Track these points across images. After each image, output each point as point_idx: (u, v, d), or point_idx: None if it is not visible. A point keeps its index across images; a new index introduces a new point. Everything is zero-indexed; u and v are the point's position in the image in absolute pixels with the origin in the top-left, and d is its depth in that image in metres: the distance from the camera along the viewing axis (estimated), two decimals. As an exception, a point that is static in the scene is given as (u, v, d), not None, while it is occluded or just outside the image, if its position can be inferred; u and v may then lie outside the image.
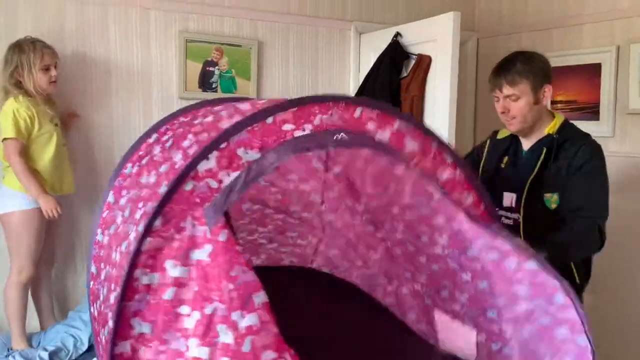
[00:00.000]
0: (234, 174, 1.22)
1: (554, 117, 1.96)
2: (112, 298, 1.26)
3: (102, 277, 1.40)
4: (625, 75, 3.00)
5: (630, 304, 2.96)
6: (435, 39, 3.04)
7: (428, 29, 3.11)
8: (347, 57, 3.64)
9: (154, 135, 1.56)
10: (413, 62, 3.21)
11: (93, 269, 1.48)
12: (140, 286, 1.19)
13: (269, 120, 1.25)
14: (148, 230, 1.19)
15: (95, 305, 1.43)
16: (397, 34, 3.29)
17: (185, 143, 1.36)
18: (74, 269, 3.01)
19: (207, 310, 1.16)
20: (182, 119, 1.58)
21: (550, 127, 1.92)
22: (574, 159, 1.82)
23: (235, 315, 1.16)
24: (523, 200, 1.85)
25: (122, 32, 3.02)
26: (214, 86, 3.23)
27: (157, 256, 1.19)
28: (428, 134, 1.44)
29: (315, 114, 1.28)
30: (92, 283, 1.49)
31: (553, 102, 3.38)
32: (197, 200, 1.21)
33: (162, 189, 1.24)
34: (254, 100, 1.64)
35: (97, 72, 2.98)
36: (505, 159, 2.02)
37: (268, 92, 3.42)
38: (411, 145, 1.41)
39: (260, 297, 1.19)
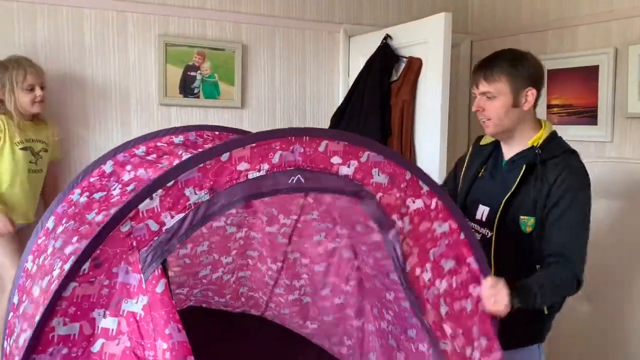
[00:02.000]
0: (178, 217, 1.11)
1: (541, 126, 1.78)
2: (22, 340, 1.11)
3: (20, 311, 1.25)
4: (623, 77, 2.89)
5: (629, 313, 2.84)
6: (427, 41, 2.93)
7: (419, 31, 3.00)
8: (336, 60, 3.53)
9: (110, 163, 1.42)
10: (404, 65, 3.10)
11: (15, 299, 1.34)
12: (56, 337, 1.04)
13: (224, 157, 1.14)
14: (74, 274, 1.05)
15: (8, 340, 1.28)
16: (387, 36, 3.17)
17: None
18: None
19: None
20: (141, 147, 1.47)
21: (534, 139, 1.73)
22: (556, 185, 1.64)
23: None
24: (497, 219, 1.71)
25: (97, 36, 2.89)
26: (195, 92, 3.10)
27: (82, 304, 1.06)
28: (400, 164, 1.36)
29: (276, 150, 1.19)
30: (11, 314, 1.34)
31: (549, 107, 3.28)
32: (134, 243, 1.09)
33: (98, 218, 1.16)
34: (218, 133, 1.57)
35: (71, 79, 2.85)
36: (484, 167, 1.86)
37: (253, 97, 3.29)
38: (379, 177, 1.33)
39: None
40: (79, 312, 1.05)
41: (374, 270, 1.68)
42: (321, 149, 1.23)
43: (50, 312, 1.03)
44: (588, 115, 3.06)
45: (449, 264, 1.44)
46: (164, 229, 1.11)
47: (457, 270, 1.45)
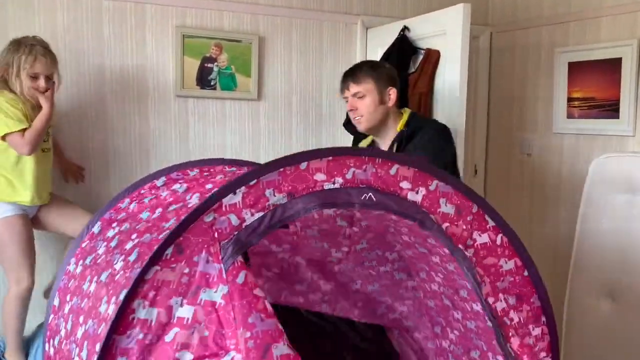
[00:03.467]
0: (258, 215, 1.17)
1: (402, 115, 2.13)
2: (80, 332, 1.13)
3: (66, 310, 1.27)
4: (647, 70, 2.82)
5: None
6: (445, 32, 2.89)
7: (437, 22, 2.96)
8: (353, 52, 3.50)
9: (162, 179, 1.50)
10: (421, 57, 3.06)
11: (55, 302, 1.37)
12: (135, 320, 1.06)
13: (303, 165, 1.22)
14: (157, 258, 1.08)
15: (51, 342, 1.30)
16: (405, 28, 3.14)
17: (208, 186, 1.36)
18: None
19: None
20: (195, 170, 1.57)
21: (400, 125, 2.10)
22: (413, 145, 1.95)
23: None
24: None
25: (116, 28, 2.90)
26: (212, 83, 3.10)
27: (162, 289, 1.08)
28: (468, 196, 1.38)
29: (349, 166, 1.26)
30: (51, 317, 1.36)
31: (569, 100, 3.22)
32: (216, 234, 1.14)
33: (171, 223, 1.16)
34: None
35: (90, 70, 2.87)
36: None
37: (270, 89, 3.29)
38: (446, 207, 1.36)
39: (279, 349, 1.07)
40: (158, 297, 1.07)
41: (443, 286, 1.68)
42: (392, 172, 1.30)
43: (132, 293, 1.05)
44: (610, 108, 3.00)
45: (510, 300, 1.45)
46: (244, 224, 1.15)
47: (519, 307, 1.46)
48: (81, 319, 1.19)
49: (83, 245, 1.43)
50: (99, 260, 1.29)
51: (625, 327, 2.73)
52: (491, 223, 1.44)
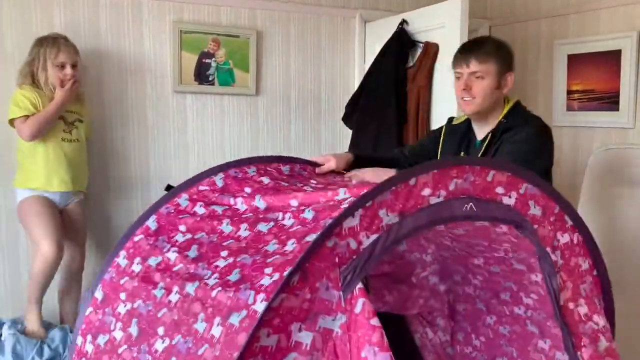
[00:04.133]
0: (373, 237, 1.15)
1: (506, 103, 1.94)
2: (161, 345, 1.13)
3: (121, 310, 1.27)
4: (647, 61, 2.81)
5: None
6: (443, 26, 2.88)
7: (435, 16, 2.96)
8: (352, 46, 3.49)
9: (220, 175, 1.50)
10: (420, 50, 3.05)
11: (98, 295, 1.35)
12: (258, 348, 1.03)
13: (412, 181, 1.21)
14: (285, 286, 1.06)
15: (89, 338, 1.29)
16: (403, 22, 3.13)
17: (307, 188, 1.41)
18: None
19: None
20: (253, 168, 1.58)
21: (501, 114, 1.91)
22: (511, 139, 1.80)
23: None
24: None
25: (113, 24, 2.89)
26: (210, 79, 3.09)
27: (285, 316, 1.06)
28: (552, 196, 1.42)
29: (452, 177, 1.27)
30: (90, 310, 1.34)
31: (569, 92, 3.21)
32: (336, 259, 1.11)
33: (290, 247, 1.15)
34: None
35: (87, 67, 2.86)
36: (462, 146, 1.99)
37: (268, 84, 3.28)
38: (535, 209, 1.39)
39: None
40: (281, 325, 1.06)
41: (480, 289, 1.69)
42: (489, 178, 1.30)
43: (259, 322, 1.03)
44: (610, 101, 2.99)
45: (598, 302, 1.45)
46: (361, 248, 1.13)
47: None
48: (160, 330, 1.17)
49: (136, 239, 1.39)
50: (175, 268, 1.27)
51: (625, 319, 2.73)
52: (570, 222, 1.46)
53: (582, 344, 1.38)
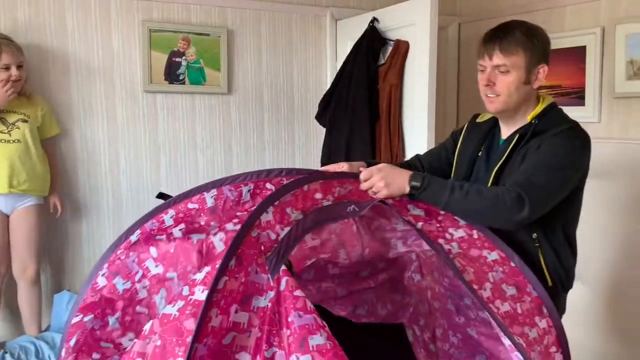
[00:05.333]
0: (286, 229, 1.33)
1: (540, 102, 1.67)
2: (147, 325, 1.19)
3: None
4: (610, 57, 2.88)
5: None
6: (413, 23, 2.90)
7: (405, 13, 2.98)
8: (323, 44, 3.49)
9: (213, 192, 1.47)
10: (391, 48, 3.07)
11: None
12: (209, 328, 1.13)
13: (305, 187, 1.44)
14: (224, 269, 1.19)
15: (92, 316, 1.31)
16: (374, 19, 3.14)
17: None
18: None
19: (267, 354, 1.15)
20: (250, 185, 1.56)
21: (532, 113, 1.64)
22: (542, 144, 1.54)
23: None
24: None
25: (80, 22, 2.84)
26: (181, 78, 3.06)
27: (228, 298, 1.18)
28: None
29: (335, 186, 1.49)
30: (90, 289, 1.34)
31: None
32: (262, 247, 1.28)
33: (217, 241, 1.31)
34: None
35: (54, 67, 2.80)
36: (482, 147, 1.75)
37: (240, 83, 3.26)
38: (415, 211, 1.52)
39: (316, 340, 1.14)
40: (224, 306, 1.16)
41: (449, 291, 1.74)
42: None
43: (208, 303, 1.14)
44: (576, 96, 3.05)
45: (510, 291, 1.45)
46: (279, 237, 1.31)
47: (521, 297, 1.45)
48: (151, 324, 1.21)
49: (118, 252, 1.38)
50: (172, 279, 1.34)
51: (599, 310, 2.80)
52: (462, 222, 1.51)
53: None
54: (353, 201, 1.47)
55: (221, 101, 3.22)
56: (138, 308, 1.36)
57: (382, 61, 3.12)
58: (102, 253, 1.43)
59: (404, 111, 3.04)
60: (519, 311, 1.43)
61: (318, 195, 1.45)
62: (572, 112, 3.05)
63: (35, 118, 2.60)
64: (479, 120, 1.83)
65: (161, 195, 1.54)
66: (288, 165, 3.47)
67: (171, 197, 1.47)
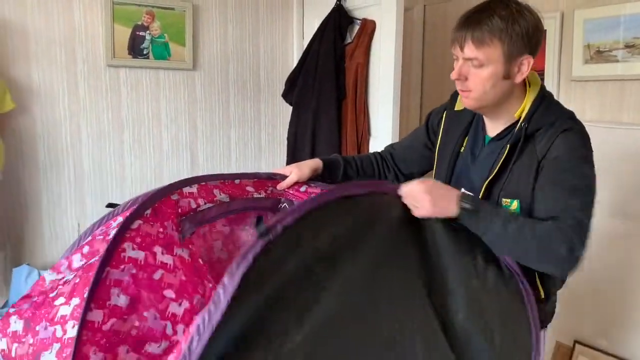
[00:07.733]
0: (209, 205, 1.45)
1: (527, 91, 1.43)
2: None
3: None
4: (569, 42, 2.97)
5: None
6: (379, 2, 2.92)
7: (372, -7, 2.99)
8: (290, 22, 3.48)
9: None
10: (357, 27, 3.08)
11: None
12: (126, 258, 1.21)
13: (237, 181, 1.56)
14: (139, 215, 1.26)
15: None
16: (341, -2, 3.15)
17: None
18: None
19: (194, 300, 1.25)
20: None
21: (520, 110, 1.41)
22: (544, 157, 1.34)
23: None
24: None
25: (39, -7, 2.75)
26: (145, 52, 3.01)
27: (146, 239, 1.25)
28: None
29: (269, 186, 1.60)
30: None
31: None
32: (179, 210, 1.38)
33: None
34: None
35: (12, 41, 2.71)
36: (465, 142, 1.55)
37: (206, 59, 3.23)
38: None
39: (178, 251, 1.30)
40: (143, 244, 1.24)
41: None
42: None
43: (121, 238, 1.21)
44: (535, 78, 3.15)
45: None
46: (199, 208, 1.43)
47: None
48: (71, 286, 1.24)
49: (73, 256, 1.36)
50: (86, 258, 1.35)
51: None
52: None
53: None
54: (288, 199, 1.57)
55: (186, 77, 3.18)
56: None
57: (348, 40, 3.14)
58: (62, 228, 1.48)
59: (370, 90, 3.07)
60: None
61: (250, 189, 1.56)
62: (532, 94, 3.16)
63: None
64: (457, 108, 1.60)
65: (111, 205, 1.46)
66: (255, 143, 3.47)
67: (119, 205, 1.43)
